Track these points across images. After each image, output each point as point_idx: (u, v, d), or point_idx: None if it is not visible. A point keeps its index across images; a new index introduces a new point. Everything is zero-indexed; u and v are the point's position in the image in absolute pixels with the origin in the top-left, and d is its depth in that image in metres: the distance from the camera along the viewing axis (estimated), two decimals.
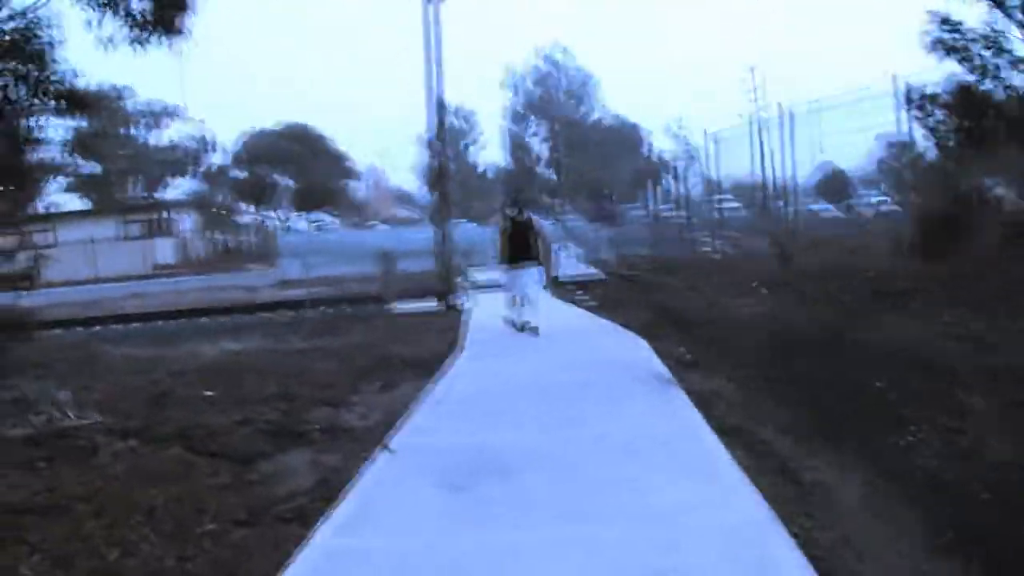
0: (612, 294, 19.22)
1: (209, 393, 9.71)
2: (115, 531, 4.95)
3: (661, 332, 11.69)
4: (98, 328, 25.15)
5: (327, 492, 5.49)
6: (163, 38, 10.09)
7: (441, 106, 20.20)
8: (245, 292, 34.88)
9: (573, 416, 6.83)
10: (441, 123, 20.41)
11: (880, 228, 34.41)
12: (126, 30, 10.13)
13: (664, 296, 16.48)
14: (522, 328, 12.76)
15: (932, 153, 18.15)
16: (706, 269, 19.79)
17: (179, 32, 10.04)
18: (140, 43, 10.07)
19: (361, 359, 11.29)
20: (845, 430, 5.91)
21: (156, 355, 14.23)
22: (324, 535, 4.67)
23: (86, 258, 43.61)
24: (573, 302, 18.21)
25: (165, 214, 54.13)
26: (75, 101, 10.44)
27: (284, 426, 7.67)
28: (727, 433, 6.00)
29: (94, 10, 10.15)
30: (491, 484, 5.23)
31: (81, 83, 11.10)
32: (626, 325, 12.99)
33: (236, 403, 8.85)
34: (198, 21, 10.78)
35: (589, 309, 16.14)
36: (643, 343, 10.57)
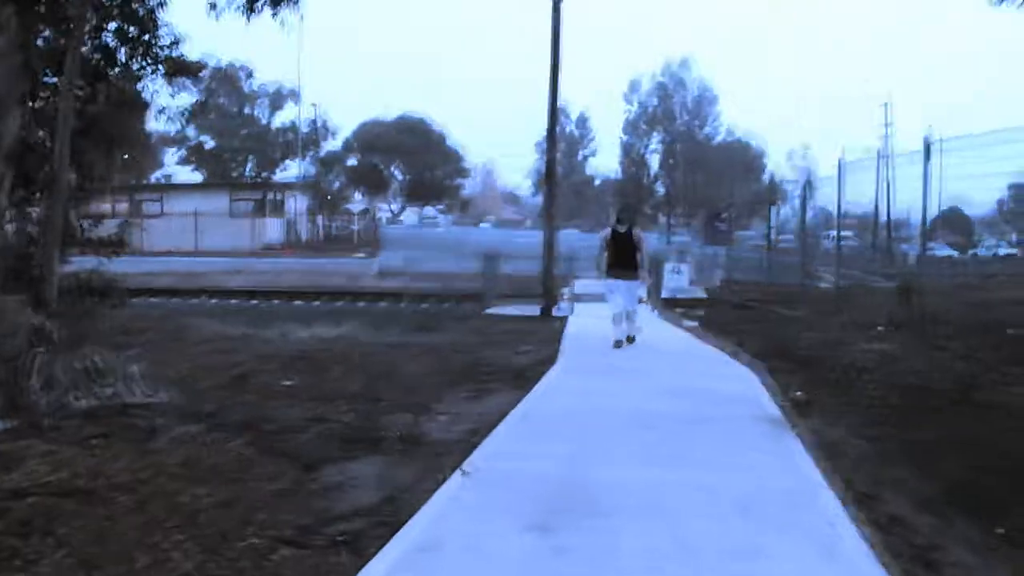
0: (721, 319, 18.29)
1: (289, 383, 9.29)
2: (151, 533, 4.42)
3: (773, 366, 10.81)
4: (194, 301, 25.38)
5: (391, 514, 4.86)
6: (272, 6, 9.66)
7: (554, 113, 19.61)
8: (347, 279, 34.93)
9: (675, 455, 6.07)
10: (553, 130, 19.83)
11: (1005, 276, 32.62)
12: None
13: (776, 327, 15.53)
14: (620, 343, 12.44)
15: None
16: (822, 302, 18.70)
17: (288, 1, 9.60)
18: (248, 10, 9.67)
19: (452, 362, 10.75)
20: (997, 515, 5.02)
21: (246, 334, 14.06)
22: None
23: (193, 230, 44.29)
24: (679, 324, 17.39)
25: (276, 194, 54.74)
26: (178, 67, 10.13)
27: (359, 429, 7.13)
28: (855, 500, 5.18)
29: None
30: (577, 528, 4.54)
31: (185, 50, 10.88)
32: (734, 354, 12.18)
33: (315, 397, 8.40)
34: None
35: (695, 333, 15.31)
36: (753, 377, 9.75)
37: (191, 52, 11.80)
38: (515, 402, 7.93)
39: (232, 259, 39.92)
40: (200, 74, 11.99)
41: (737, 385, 9.06)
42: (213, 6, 10.15)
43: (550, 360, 10.79)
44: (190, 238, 45.51)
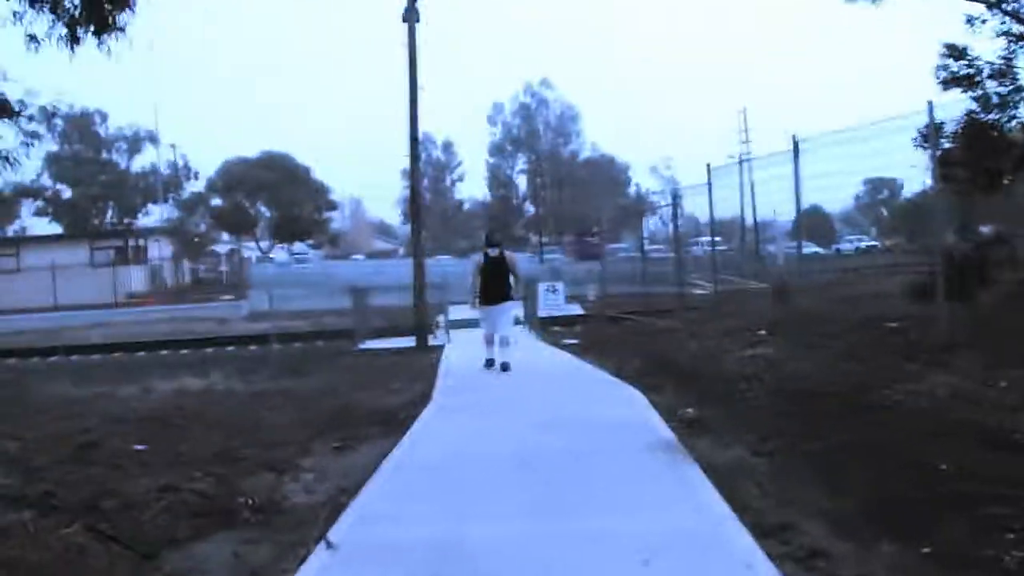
0: (599, 336, 17.94)
1: (141, 447, 8.32)
2: None
3: (657, 383, 10.35)
4: (47, 359, 23.84)
5: None
6: (96, 35, 8.72)
7: (415, 139, 18.98)
8: (215, 324, 33.59)
9: (565, 500, 5.41)
10: (415, 156, 19.19)
11: (869, 269, 33.45)
12: (57, 25, 8.76)
13: (655, 340, 15.19)
14: (492, 363, 12.62)
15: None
16: (698, 311, 18.49)
17: (113, 29, 8.67)
18: (70, 40, 8.70)
19: (320, 407, 9.95)
20: (918, 532, 4.53)
21: (100, 394, 12.98)
22: None
23: (51, 284, 41.90)
24: (557, 344, 16.91)
25: (138, 241, 52.50)
26: None
27: (213, 498, 6.27)
28: (768, 532, 4.63)
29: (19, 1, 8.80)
30: None
31: (7, 88, 9.87)
32: (617, 373, 11.72)
33: (168, 463, 7.48)
34: (144, 23, 9.48)
35: (574, 353, 14.84)
36: (638, 396, 9.23)
37: (12, 91, 10.84)
38: (387, 451, 7.18)
39: (94, 312, 38.02)
40: (19, 115, 10.85)
41: (624, 409, 8.50)
42: (33, 38, 9.13)
43: (424, 398, 10.07)
44: (48, 293, 43.03)
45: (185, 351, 23.94)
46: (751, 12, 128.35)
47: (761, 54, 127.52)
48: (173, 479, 6.87)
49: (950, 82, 15.31)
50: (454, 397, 9.96)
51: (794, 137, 13.56)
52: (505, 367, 12.40)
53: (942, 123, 14.53)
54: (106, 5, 8.41)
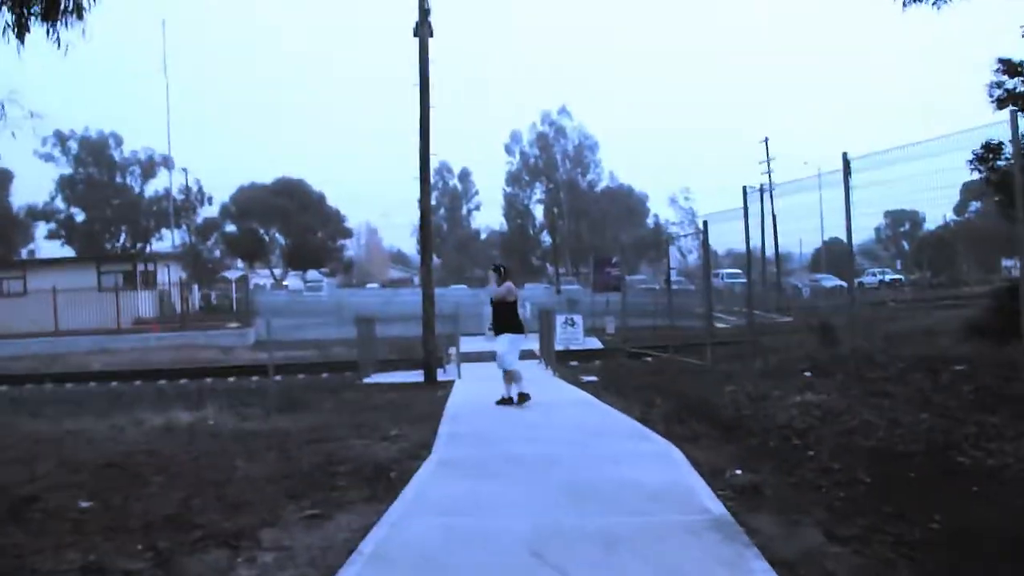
0: (621, 373, 16.55)
1: (86, 504, 7.01)
2: None
3: (692, 433, 8.97)
4: (40, 387, 22.78)
5: None
6: (44, 21, 7.47)
7: (426, 158, 17.77)
8: (219, 352, 32.49)
9: None
10: (426, 176, 17.97)
11: (899, 303, 31.92)
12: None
13: (684, 380, 13.79)
14: (508, 400, 12.28)
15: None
16: (728, 346, 17.06)
17: (66, 13, 7.42)
18: (16, 29, 7.45)
19: (304, 457, 8.57)
20: None
21: (76, 430, 11.76)
22: None
23: (59, 308, 40.88)
24: (575, 382, 15.53)
25: (148, 266, 51.53)
26: None
27: None
28: None
29: None
30: None
31: None
32: (644, 419, 10.32)
33: (109, 527, 6.19)
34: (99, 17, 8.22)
35: (595, 393, 13.47)
36: (673, 452, 7.82)
37: None
38: (369, 524, 5.80)
39: (98, 337, 36.96)
40: None
41: (660, 470, 7.06)
42: None
43: (425, 447, 8.67)
44: (52, 317, 41.99)
45: (184, 381, 22.84)
46: (773, 39, 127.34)
47: (783, 82, 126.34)
48: (104, 554, 5.59)
49: (1005, 100, 14.22)
50: (458, 448, 8.53)
51: (845, 155, 12.21)
52: (522, 398, 12.23)
53: (1000, 143, 13.32)
54: None
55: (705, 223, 15.70)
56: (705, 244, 15.59)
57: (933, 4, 12.01)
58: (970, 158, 13.79)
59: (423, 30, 17.72)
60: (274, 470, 8.03)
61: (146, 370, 25.25)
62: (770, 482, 6.47)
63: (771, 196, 30.95)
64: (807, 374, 11.52)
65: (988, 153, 13.47)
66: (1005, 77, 14.42)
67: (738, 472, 6.84)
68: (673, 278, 31.03)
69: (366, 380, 18.56)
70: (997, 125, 13.31)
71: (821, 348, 13.94)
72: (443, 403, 12.93)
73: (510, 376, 12.47)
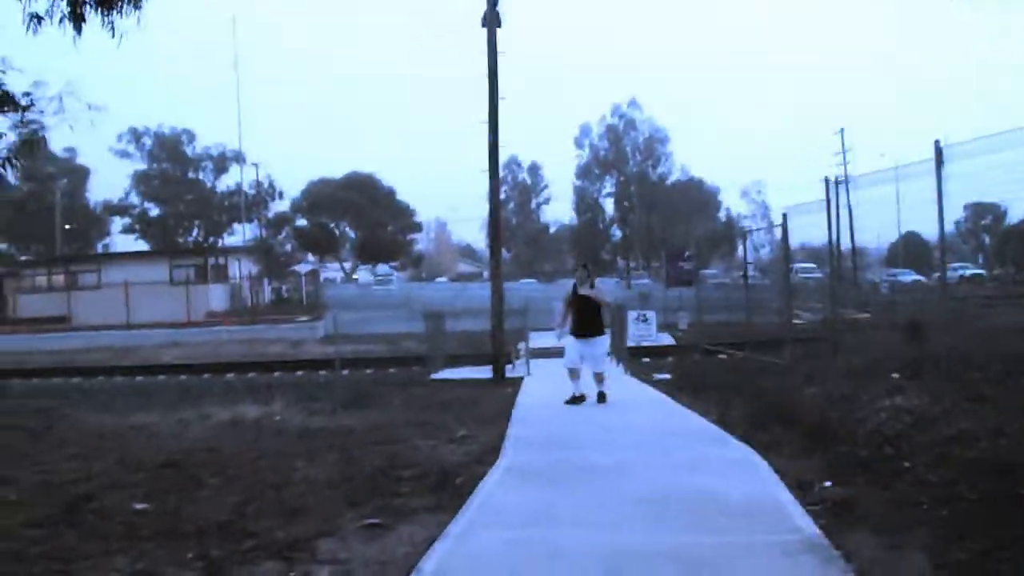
0: (695, 372, 16.01)
1: (141, 506, 6.82)
2: None
3: (775, 439, 8.47)
4: (111, 379, 23.02)
5: None
6: (101, 8, 7.27)
7: (495, 149, 17.41)
8: (289, 346, 32.62)
9: None
10: (495, 168, 17.64)
11: (981, 299, 30.69)
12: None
13: (762, 379, 13.22)
14: (579, 399, 11.95)
15: None
16: (807, 344, 16.39)
17: (119, 4, 7.21)
18: (74, 18, 7.27)
19: (367, 458, 8.28)
20: None
21: (139, 424, 11.72)
22: None
23: (131, 301, 41.56)
24: (648, 380, 15.09)
25: (220, 259, 52.20)
26: None
27: None
28: None
29: None
30: None
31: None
32: (721, 421, 9.85)
33: (162, 532, 6.01)
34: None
35: (669, 392, 13.01)
36: (757, 460, 7.35)
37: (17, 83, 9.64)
38: (433, 536, 5.45)
39: (169, 330, 37.52)
40: (26, 108, 9.58)
41: (743, 480, 6.60)
42: (35, 17, 7.75)
43: (493, 451, 8.32)
44: (124, 310, 42.72)
45: (253, 374, 22.88)
46: (848, 29, 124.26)
47: (858, 73, 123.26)
48: (153, 561, 5.38)
49: None
50: (529, 452, 8.15)
51: (937, 143, 11.54)
52: (602, 397, 12.01)
53: None
54: None
55: (785, 215, 15.09)
56: (784, 237, 14.98)
57: None
58: None
59: (491, 19, 17.39)
60: (335, 473, 7.76)
61: (216, 363, 25.33)
62: (864, 497, 5.98)
63: (847, 188, 30.06)
64: (895, 375, 10.88)
65: None
66: None
67: (828, 484, 6.36)
68: (746, 273, 30.31)
69: (434, 376, 18.34)
70: None
71: (908, 347, 13.23)
72: (512, 402, 12.60)
73: (574, 374, 12.28)
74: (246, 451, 9.13)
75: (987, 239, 78.01)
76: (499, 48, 17.48)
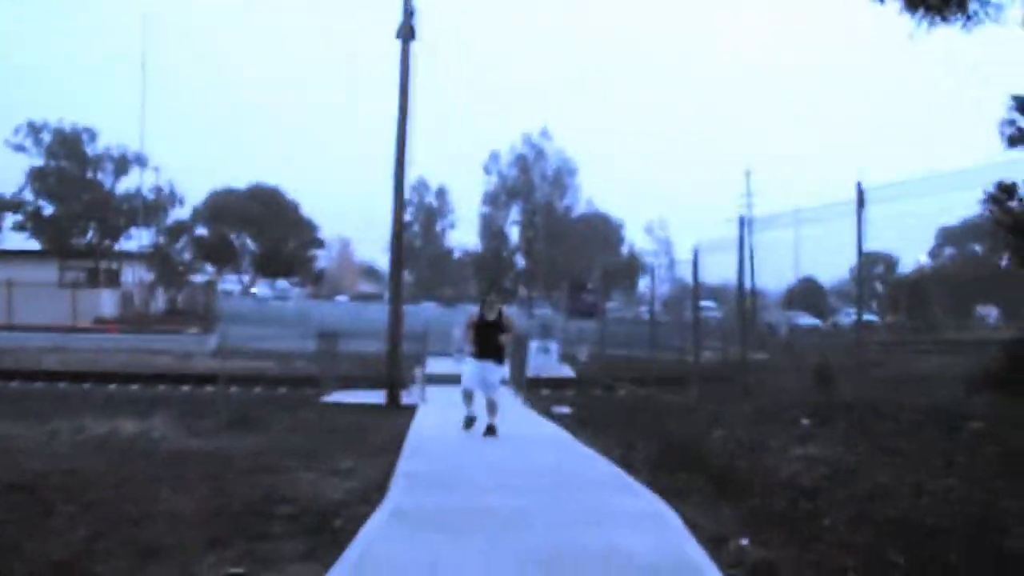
0: (598, 406, 15.55)
1: None
2: None
3: (683, 485, 7.93)
4: None
5: None
6: None
7: (401, 163, 16.78)
8: (177, 358, 31.17)
9: None
10: (400, 183, 16.99)
11: (875, 345, 31.08)
12: None
13: (666, 418, 12.78)
14: (489, 431, 11.45)
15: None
16: (711, 383, 16.03)
17: None
18: None
19: (242, 490, 7.46)
20: None
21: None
22: None
23: (15, 302, 39.44)
24: (547, 413, 14.52)
25: (113, 264, 50.17)
26: None
27: None
28: None
29: None
30: None
31: None
32: (624, 462, 9.31)
33: None
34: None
35: (569, 428, 12.48)
36: (664, 510, 6.76)
37: None
38: None
39: (53, 334, 35.51)
40: None
41: (652, 534, 5.98)
42: None
43: (378, 488, 7.55)
44: (6, 310, 40.48)
45: (135, 386, 21.66)
46: (760, 71, 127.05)
47: (766, 116, 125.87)
48: None
49: (1016, 139, 13.81)
50: (417, 492, 7.38)
51: (858, 185, 11.26)
52: (491, 430, 11.50)
53: (1014, 183, 12.81)
54: None
55: (696, 251, 14.79)
56: (695, 272, 14.68)
57: (963, 26, 11.09)
58: (981, 198, 13.22)
59: (406, 32, 16.77)
60: (203, 506, 6.93)
61: (98, 372, 24.04)
62: (785, 559, 5.42)
63: (750, 230, 30.18)
64: (805, 421, 10.51)
65: (1002, 193, 12.80)
66: (1018, 115, 13.90)
67: (744, 542, 5.80)
68: (644, 309, 30.20)
69: (326, 398, 17.48)
70: (1010, 164, 12.77)
71: (814, 391, 12.93)
72: (404, 431, 11.86)
73: (470, 397, 11.96)
74: (111, 474, 8.25)
75: (879, 287, 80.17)
76: (411, 63, 16.91)
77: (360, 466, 8.81)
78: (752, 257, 33.40)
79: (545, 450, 10.42)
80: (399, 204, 17.21)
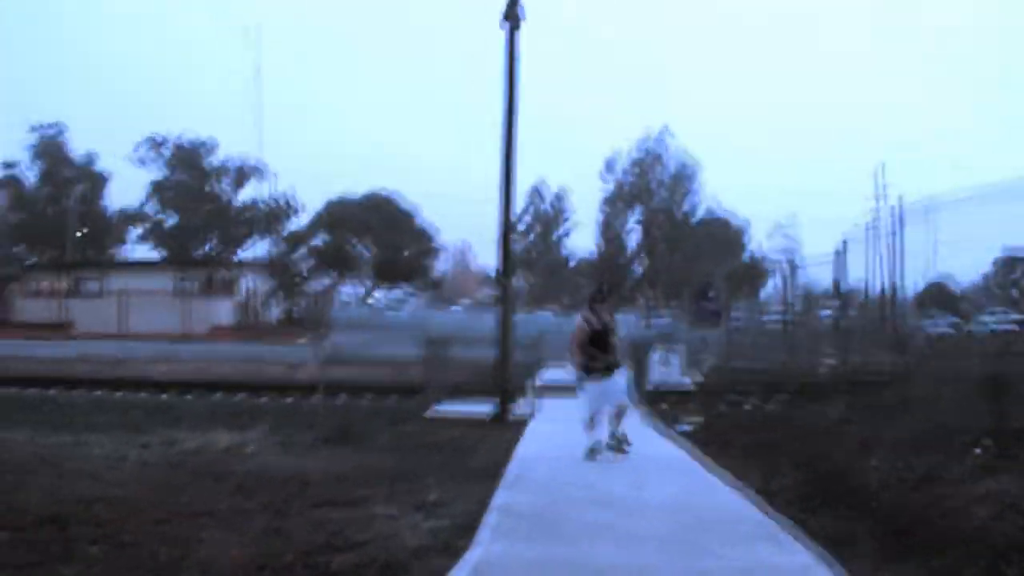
0: (726, 425, 13.97)
1: None
2: None
3: (842, 530, 6.41)
4: (98, 393, 21.16)
5: None
6: None
7: (508, 158, 15.56)
8: (287, 368, 30.74)
9: None
10: (508, 180, 15.78)
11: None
12: None
13: (809, 439, 11.16)
14: (596, 452, 10.05)
15: None
16: (859, 398, 14.23)
17: None
18: None
19: (300, 532, 6.30)
20: None
21: (78, 450, 10.30)
22: None
23: (131, 311, 40.11)
24: (672, 434, 13.06)
25: (229, 273, 50.81)
26: None
27: None
28: None
29: None
30: None
31: None
32: (766, 492, 7.81)
33: None
34: None
35: (695, 448, 11.03)
36: (829, 572, 5.24)
37: None
38: None
39: (166, 344, 35.92)
40: None
41: None
42: None
43: (467, 529, 6.22)
44: (130, 318, 41.18)
45: (241, 396, 21.09)
46: (891, 60, 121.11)
47: (898, 107, 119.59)
48: None
49: None
50: (513, 539, 5.95)
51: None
52: (620, 446, 10.30)
53: None
54: None
55: (844, 243, 13.12)
56: (842, 267, 13.04)
57: None
58: None
59: (512, 15, 15.56)
60: (250, 551, 5.77)
61: (203, 381, 23.55)
62: None
63: (897, 224, 28.05)
64: (977, 451, 8.78)
65: None
66: None
67: None
68: (774, 316, 28.30)
69: (432, 411, 16.42)
70: None
71: (982, 409, 11.06)
72: (509, 451, 10.59)
73: (593, 423, 10.31)
74: (162, 504, 7.26)
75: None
76: (517, 51, 15.70)
77: (451, 497, 7.54)
78: (902, 252, 30.98)
79: (668, 478, 8.93)
80: (507, 202, 15.98)
